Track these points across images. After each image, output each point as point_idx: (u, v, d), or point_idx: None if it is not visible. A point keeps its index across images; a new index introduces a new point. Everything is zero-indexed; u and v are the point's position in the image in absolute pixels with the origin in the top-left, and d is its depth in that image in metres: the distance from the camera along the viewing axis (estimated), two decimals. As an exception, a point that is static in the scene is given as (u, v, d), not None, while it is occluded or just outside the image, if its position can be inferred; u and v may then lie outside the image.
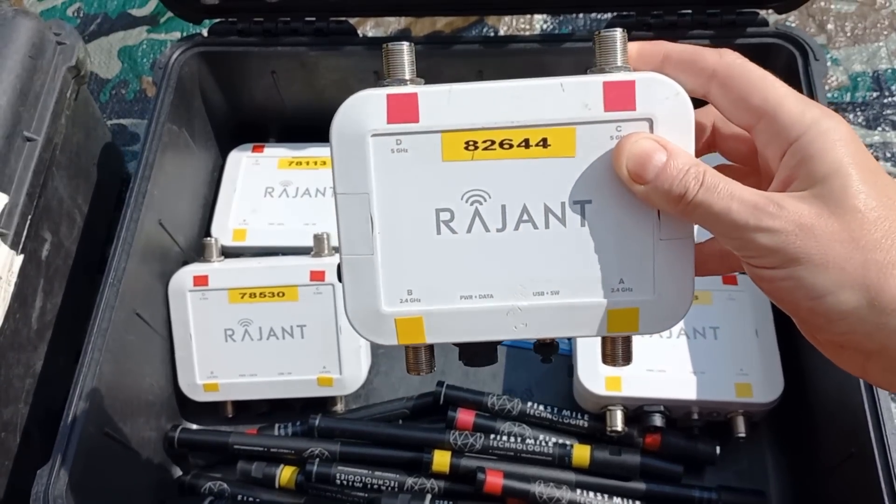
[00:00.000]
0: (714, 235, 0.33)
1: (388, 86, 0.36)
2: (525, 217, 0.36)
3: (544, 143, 0.36)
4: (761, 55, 0.70)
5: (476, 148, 0.36)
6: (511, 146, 0.36)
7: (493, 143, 0.36)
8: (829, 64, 0.88)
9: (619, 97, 0.35)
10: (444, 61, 0.73)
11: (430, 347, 0.39)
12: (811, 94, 0.66)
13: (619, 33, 0.35)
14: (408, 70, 0.36)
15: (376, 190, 0.36)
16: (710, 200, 0.31)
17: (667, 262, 0.36)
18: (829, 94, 0.87)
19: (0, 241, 0.64)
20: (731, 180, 0.31)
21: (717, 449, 0.65)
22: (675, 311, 0.37)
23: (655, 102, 0.35)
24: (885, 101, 0.86)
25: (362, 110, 0.36)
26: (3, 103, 0.66)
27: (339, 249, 0.37)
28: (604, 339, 0.39)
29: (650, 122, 0.35)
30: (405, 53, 0.36)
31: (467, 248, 0.37)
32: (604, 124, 0.35)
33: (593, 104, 0.35)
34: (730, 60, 0.33)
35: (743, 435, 0.65)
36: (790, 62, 0.68)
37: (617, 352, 0.38)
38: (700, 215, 0.32)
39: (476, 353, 0.40)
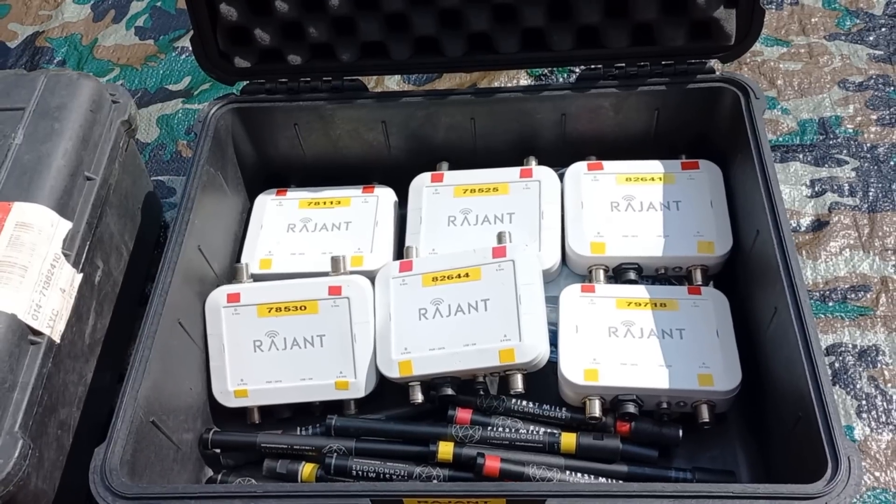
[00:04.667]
0: None
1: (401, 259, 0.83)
2: (460, 309, 0.77)
3: (467, 275, 0.79)
4: (710, 98, 0.83)
5: (437, 280, 0.79)
6: (452, 277, 0.79)
7: (445, 276, 0.79)
8: (779, 113, 1.01)
9: (499, 252, 0.79)
10: (442, 110, 0.85)
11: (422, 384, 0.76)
12: (753, 128, 0.78)
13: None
14: (414, 251, 0.84)
15: (393, 301, 0.79)
16: None
17: (526, 324, 0.74)
18: (780, 139, 0.99)
19: (65, 259, 0.74)
20: None
21: (680, 432, 0.73)
22: (535, 350, 0.73)
23: (516, 254, 0.78)
24: (830, 142, 0.98)
25: (390, 268, 0.81)
26: (69, 147, 0.79)
27: (376, 326, 0.79)
28: (504, 376, 0.75)
29: (513, 262, 0.77)
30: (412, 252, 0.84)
31: (433, 326, 0.77)
32: (491, 264, 0.78)
33: (487, 257, 0.78)
34: None
35: (707, 421, 0.73)
36: (734, 102, 0.81)
37: (517, 384, 0.73)
38: None
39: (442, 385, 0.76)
